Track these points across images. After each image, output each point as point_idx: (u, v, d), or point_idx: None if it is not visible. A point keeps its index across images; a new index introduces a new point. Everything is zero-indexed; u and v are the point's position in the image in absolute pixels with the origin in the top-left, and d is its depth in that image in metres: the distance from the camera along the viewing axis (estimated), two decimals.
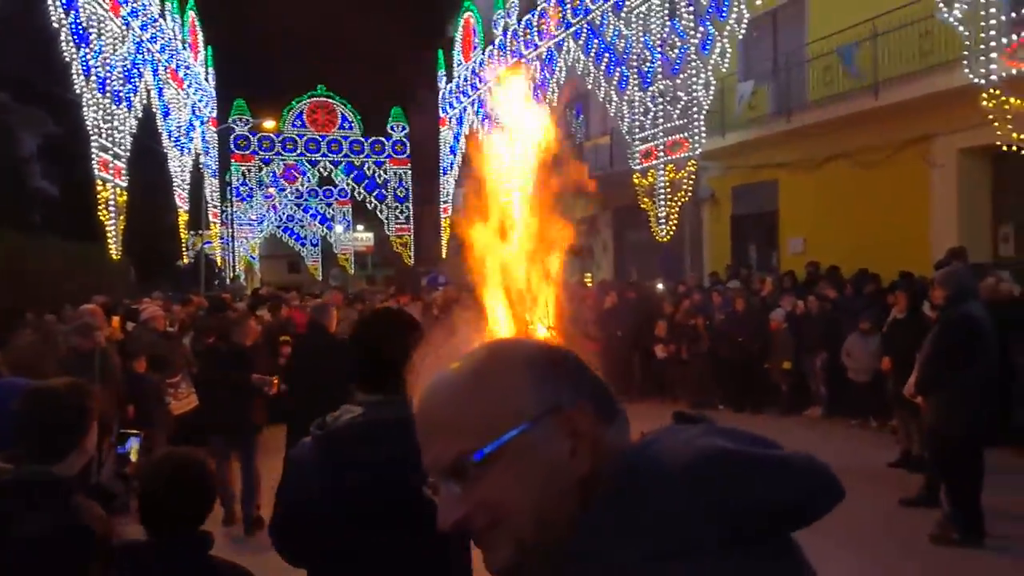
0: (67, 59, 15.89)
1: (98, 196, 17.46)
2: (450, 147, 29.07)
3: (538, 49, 20.58)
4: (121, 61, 18.49)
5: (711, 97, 14.93)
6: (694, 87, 14.96)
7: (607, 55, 17.54)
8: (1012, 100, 9.72)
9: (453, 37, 28.85)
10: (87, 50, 16.43)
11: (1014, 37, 9.79)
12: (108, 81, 17.51)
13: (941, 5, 10.38)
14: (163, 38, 22.74)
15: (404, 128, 32.51)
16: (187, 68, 26.18)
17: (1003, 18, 9.91)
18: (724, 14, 14.14)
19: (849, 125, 13.32)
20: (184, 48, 25.89)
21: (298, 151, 31.79)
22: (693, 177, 15.45)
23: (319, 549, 2.18)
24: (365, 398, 2.24)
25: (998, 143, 10.15)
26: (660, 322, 12.76)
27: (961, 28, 10.31)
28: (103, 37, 17.34)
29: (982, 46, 10.04)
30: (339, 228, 34.03)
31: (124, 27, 18.85)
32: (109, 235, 17.87)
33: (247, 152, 31.56)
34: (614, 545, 0.88)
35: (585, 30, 18.34)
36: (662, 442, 0.94)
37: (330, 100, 32.30)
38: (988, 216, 12.47)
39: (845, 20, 13.07)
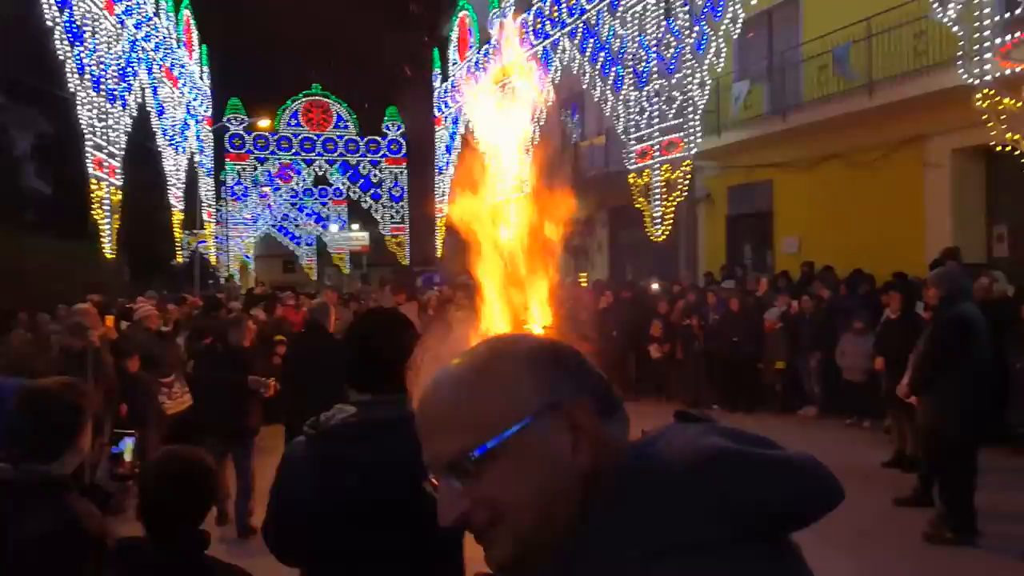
0: (61, 57, 15.85)
1: (92, 195, 17.41)
2: (446, 146, 29.05)
3: (533, 48, 20.57)
4: (115, 59, 18.44)
5: (706, 97, 14.95)
6: (689, 87, 14.98)
7: (603, 54, 17.55)
8: (1006, 100, 9.74)
9: (448, 36, 28.84)
10: (81, 48, 16.38)
11: (1008, 37, 9.81)
12: (102, 79, 17.47)
13: (935, 5, 10.41)
14: (158, 36, 22.68)
15: (399, 127, 32.48)
16: (182, 67, 26.13)
17: (997, 18, 9.94)
18: (719, 14, 14.15)
19: (844, 125, 13.35)
20: (179, 46, 25.83)
21: (293, 150, 31.74)
22: (688, 177, 15.46)
23: (311, 549, 2.18)
24: (359, 397, 2.24)
25: (992, 143, 10.18)
26: (655, 322, 12.78)
27: (955, 28, 10.33)
28: (97, 35, 17.29)
29: (976, 46, 10.06)
30: (334, 228, 33.97)
31: (118, 25, 18.80)
32: (103, 234, 17.82)
33: (242, 151, 31.49)
34: (616, 542, 0.88)
35: (581, 29, 18.34)
36: (664, 440, 0.94)
37: (325, 99, 32.25)
38: (982, 216, 12.51)
39: (840, 20, 13.10)
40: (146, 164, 23.96)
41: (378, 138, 32.29)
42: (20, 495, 2.10)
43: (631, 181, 16.67)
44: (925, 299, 7.08)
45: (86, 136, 16.80)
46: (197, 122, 28.55)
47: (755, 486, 0.87)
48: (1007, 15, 9.92)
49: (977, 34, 10.05)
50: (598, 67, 17.70)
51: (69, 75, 16.11)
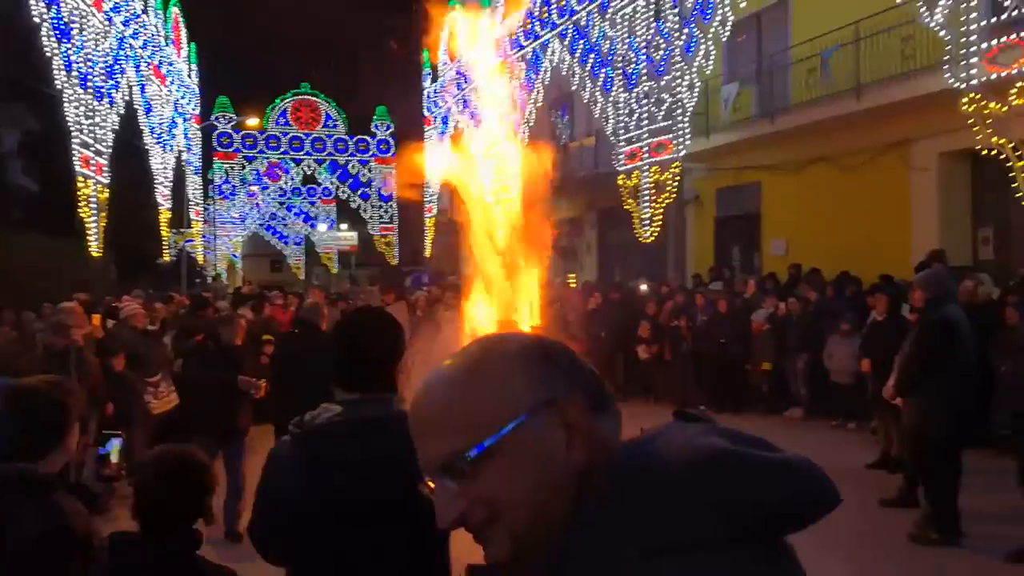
0: (48, 54, 15.75)
1: (79, 193, 17.30)
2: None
3: (523, 49, 20.58)
4: (103, 57, 18.33)
5: (695, 99, 15.00)
6: (678, 89, 15.02)
7: (592, 56, 17.57)
8: (992, 104, 9.82)
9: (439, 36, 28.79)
10: (69, 45, 16.28)
11: (994, 42, 9.89)
12: (90, 77, 17.36)
13: (923, 9, 10.47)
14: (146, 34, 22.56)
15: (389, 127, 32.41)
16: (170, 64, 25.99)
17: (983, 23, 10.01)
18: (708, 16, 14.20)
19: (832, 128, 13.42)
20: (167, 44, 25.70)
21: (282, 149, 31.61)
22: (677, 179, 15.50)
23: (297, 548, 2.17)
24: (345, 396, 2.24)
25: (978, 147, 10.25)
26: (643, 323, 12.80)
27: (942, 32, 10.40)
28: (85, 32, 17.19)
29: (963, 51, 10.14)
30: (322, 227, 33.86)
31: (106, 22, 18.69)
32: (90, 232, 17.71)
33: (230, 150, 31.35)
34: (613, 540, 0.88)
35: (571, 31, 18.36)
36: (663, 439, 0.94)
37: (314, 98, 32.15)
38: (968, 219, 12.60)
39: (828, 24, 13.17)
40: (133, 162, 23.83)
41: (367, 137, 32.22)
42: (12, 494, 2.09)
43: (620, 182, 16.70)
44: (911, 301, 7.13)
45: (73, 133, 16.69)
46: (185, 120, 28.41)
47: (752, 487, 0.87)
48: (993, 20, 9.99)
49: (964, 38, 10.13)
50: (588, 68, 17.72)
51: (56, 72, 16.01)
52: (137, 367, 8.02)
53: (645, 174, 16.02)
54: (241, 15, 34.83)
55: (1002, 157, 9.93)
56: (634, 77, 16.18)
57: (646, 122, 15.89)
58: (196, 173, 30.56)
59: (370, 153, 32.23)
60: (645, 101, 15.89)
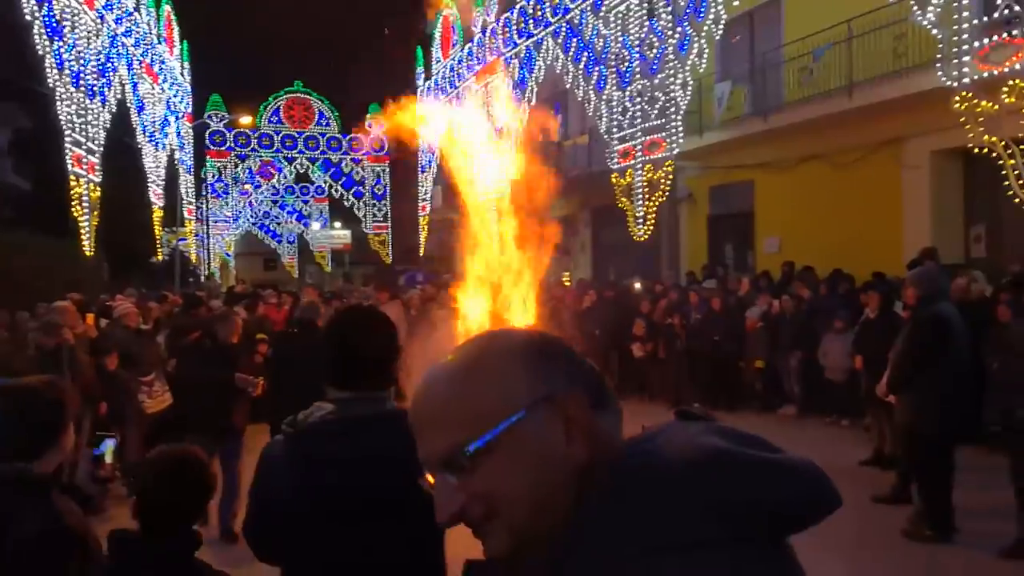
0: (40, 52, 15.68)
1: (71, 192, 17.24)
2: (429, 144, 28.98)
3: (517, 47, 20.58)
4: (95, 55, 18.26)
5: (688, 97, 15.02)
6: (672, 87, 15.04)
7: (586, 54, 17.58)
8: (984, 103, 9.86)
9: (432, 34, 28.77)
10: (60, 43, 16.22)
11: (986, 41, 9.93)
12: (82, 75, 17.30)
13: (915, 8, 10.51)
14: (138, 32, 22.48)
15: (382, 125, 32.34)
16: (162, 63, 25.91)
17: (975, 22, 10.05)
18: (701, 15, 14.22)
19: (824, 126, 13.46)
20: (159, 42, 25.62)
21: (275, 147, 31.56)
22: (671, 177, 15.53)
23: (291, 547, 2.18)
24: (337, 395, 2.24)
25: (970, 145, 10.29)
26: (638, 321, 12.82)
27: (934, 31, 10.44)
28: (77, 30, 17.12)
29: (955, 49, 10.18)
30: (316, 225, 33.83)
31: (98, 20, 18.62)
32: (82, 231, 17.66)
33: (223, 148, 31.29)
34: (615, 538, 0.88)
35: (564, 29, 18.37)
36: (664, 437, 0.95)
37: (307, 96, 32.09)
38: (960, 217, 12.65)
39: (821, 22, 13.20)
40: (126, 160, 23.75)
41: (360, 136, 32.17)
42: (11, 494, 2.09)
43: (614, 181, 16.72)
44: (904, 299, 7.16)
45: (65, 132, 16.63)
46: (177, 119, 28.33)
47: (752, 487, 0.88)
48: (985, 19, 10.04)
49: (956, 37, 10.17)
50: (581, 67, 17.73)
51: (48, 71, 15.95)
52: (131, 366, 8.00)
53: (639, 172, 16.04)
54: (233, 13, 34.74)
55: (994, 155, 9.97)
56: (627, 75, 16.19)
57: (639, 120, 15.91)
58: (189, 171, 30.48)
59: (363, 151, 32.20)
60: (638, 99, 15.91)
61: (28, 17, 15.23)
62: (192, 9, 29.70)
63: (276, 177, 32.00)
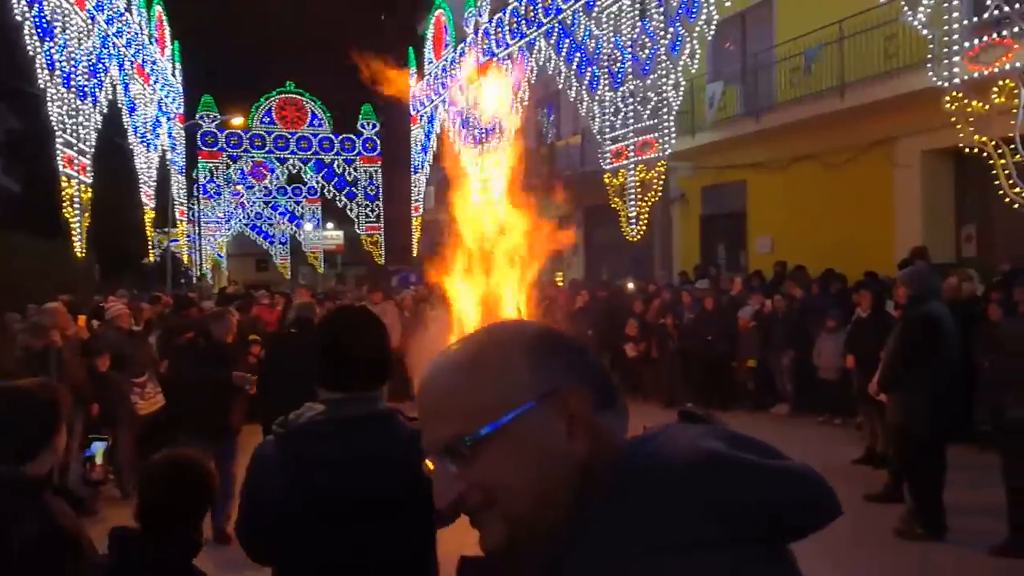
0: (31, 53, 15.61)
1: (62, 193, 17.17)
2: (421, 145, 28.97)
3: (509, 48, 20.58)
4: (86, 55, 18.19)
5: (680, 98, 15.04)
6: (664, 88, 15.07)
7: (578, 55, 17.60)
8: (974, 103, 9.90)
9: (424, 35, 28.75)
10: (51, 44, 16.15)
11: (976, 41, 9.97)
12: (73, 76, 17.22)
13: (906, 9, 10.55)
14: (129, 32, 22.40)
15: (375, 126, 32.32)
16: (153, 63, 25.83)
17: (965, 22, 10.10)
18: (693, 15, 14.25)
19: (816, 126, 13.50)
20: (151, 43, 25.54)
21: (267, 148, 31.48)
22: (663, 177, 15.55)
23: (281, 547, 2.18)
24: (328, 395, 2.24)
25: (961, 145, 10.34)
26: (631, 321, 12.84)
27: (925, 32, 10.48)
28: (68, 31, 17.05)
29: (945, 50, 10.22)
30: (308, 226, 33.76)
31: (89, 21, 18.55)
32: (73, 232, 17.58)
33: (215, 149, 31.20)
34: (615, 536, 0.88)
35: (556, 29, 18.38)
36: (665, 438, 0.95)
37: (299, 97, 32.02)
38: (951, 217, 12.71)
39: (812, 23, 13.24)
40: (117, 162, 23.66)
41: (353, 136, 32.13)
42: (6, 497, 2.08)
43: (606, 181, 16.74)
44: (895, 298, 7.19)
45: (56, 133, 16.56)
46: (169, 119, 28.24)
47: (745, 492, 0.87)
48: (975, 19, 10.08)
49: (946, 38, 10.21)
50: (574, 67, 17.75)
51: (39, 71, 15.87)
52: (122, 368, 7.97)
53: (631, 173, 16.06)
54: (225, 13, 34.65)
55: (984, 155, 10.02)
56: (620, 76, 16.21)
57: (632, 121, 15.93)
58: (180, 172, 30.39)
59: (356, 152, 32.16)
60: (631, 100, 15.93)
61: (18, 18, 15.15)
62: (183, 10, 29.61)
63: (268, 178, 31.93)
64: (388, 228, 32.70)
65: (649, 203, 15.84)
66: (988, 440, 7.33)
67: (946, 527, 6.09)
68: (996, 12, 9.73)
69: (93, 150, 18.55)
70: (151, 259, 27.82)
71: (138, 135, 23.65)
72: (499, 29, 21.13)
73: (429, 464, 0.98)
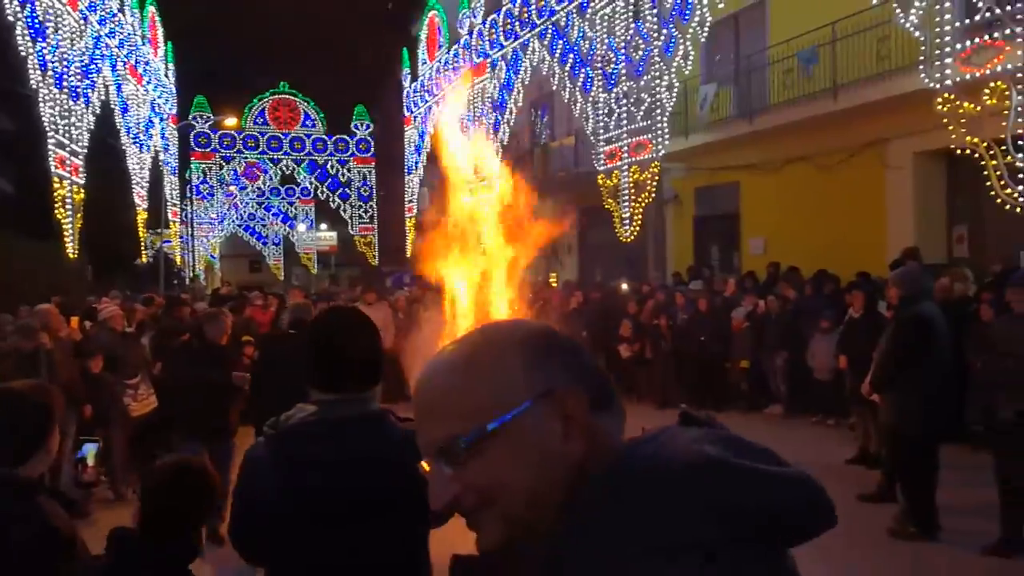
0: (23, 53, 15.56)
1: (55, 193, 17.10)
2: (415, 146, 28.95)
3: (503, 49, 20.59)
4: (79, 56, 18.13)
5: (674, 99, 15.07)
6: (657, 89, 15.09)
7: (572, 56, 17.62)
8: (966, 104, 9.94)
9: (418, 36, 28.74)
10: (44, 44, 16.09)
11: (968, 43, 10.02)
12: (65, 76, 17.17)
13: (898, 11, 10.59)
14: (122, 33, 22.34)
15: (368, 126, 32.29)
16: (146, 64, 25.76)
17: (957, 24, 10.14)
18: (687, 17, 14.28)
19: (809, 128, 13.54)
20: (143, 43, 25.46)
21: (260, 149, 31.42)
22: (657, 178, 15.58)
23: (273, 548, 2.18)
24: (320, 397, 2.24)
25: (952, 146, 10.38)
26: (625, 322, 12.86)
27: (917, 33, 10.52)
28: (60, 31, 16.99)
29: (937, 51, 10.26)
30: (302, 227, 33.71)
31: (82, 21, 18.49)
32: (66, 233, 17.51)
33: (208, 150, 31.13)
34: (613, 537, 0.88)
35: (550, 31, 18.40)
36: (662, 440, 0.95)
37: (293, 97, 31.97)
38: (943, 218, 12.76)
39: (805, 24, 13.28)
40: (109, 162, 23.59)
41: (346, 137, 32.09)
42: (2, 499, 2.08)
43: (600, 182, 16.76)
44: (887, 299, 7.21)
45: (48, 134, 16.50)
46: (162, 120, 28.17)
47: (743, 495, 0.87)
48: (967, 21, 10.12)
49: (938, 40, 10.25)
50: (567, 68, 17.76)
51: (31, 72, 15.81)
52: (116, 369, 7.95)
53: (625, 174, 16.08)
54: (218, 14, 34.59)
55: (976, 156, 10.05)
56: (613, 77, 16.24)
57: (625, 122, 15.95)
58: (173, 173, 30.30)
59: (349, 152, 32.12)
60: (624, 101, 15.95)
61: (10, 18, 15.10)
62: (177, 10, 29.56)
63: (261, 178, 31.88)
64: (382, 229, 32.67)
65: (643, 204, 15.86)
66: (980, 440, 7.38)
67: (939, 527, 6.11)
68: (987, 14, 9.77)
69: (86, 151, 18.49)
70: (144, 260, 27.76)
71: (131, 136, 23.58)
72: (493, 30, 21.14)
73: (425, 465, 0.98)
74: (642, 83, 15.44)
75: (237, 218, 32.86)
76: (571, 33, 17.60)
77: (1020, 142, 9.36)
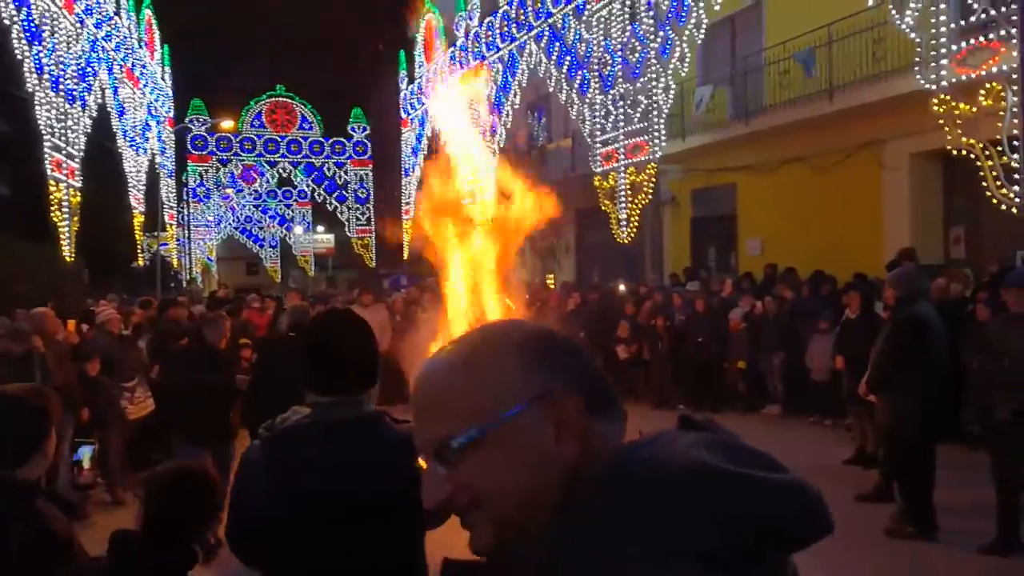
0: (19, 56, 15.54)
1: (51, 197, 17.08)
2: (412, 148, 28.95)
3: (500, 51, 20.60)
4: (75, 59, 18.11)
5: (670, 101, 15.10)
6: (654, 91, 15.11)
7: (568, 58, 17.64)
8: (962, 105, 9.97)
9: (415, 38, 28.75)
10: (40, 48, 16.08)
11: (963, 44, 10.05)
12: (61, 79, 17.15)
13: (894, 12, 10.62)
14: (118, 36, 22.32)
15: (365, 129, 32.28)
16: (143, 67, 25.74)
17: (952, 25, 10.17)
18: (683, 19, 14.30)
19: (805, 129, 13.56)
20: (140, 46, 25.45)
21: (256, 152, 31.39)
22: (653, 180, 15.60)
23: (269, 550, 2.18)
24: (316, 399, 2.24)
25: (948, 147, 10.40)
26: (622, 323, 12.86)
27: (913, 35, 10.55)
28: (56, 34, 16.98)
29: (933, 53, 10.29)
30: (299, 230, 33.68)
31: (78, 24, 18.48)
32: (62, 236, 17.49)
33: (204, 152, 31.10)
34: (603, 538, 0.88)
35: (547, 33, 18.42)
36: (659, 444, 0.94)
37: (289, 100, 31.95)
38: (939, 219, 12.78)
39: (802, 26, 13.31)
40: (106, 165, 23.56)
41: (343, 139, 32.08)
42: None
43: (597, 183, 16.77)
44: (884, 299, 7.22)
45: (45, 137, 16.48)
46: (158, 123, 28.13)
47: (737, 502, 0.87)
48: (962, 23, 10.15)
49: (933, 41, 10.28)
50: (564, 70, 17.78)
51: (27, 75, 15.80)
52: (112, 372, 7.94)
53: (621, 175, 16.10)
54: (215, 17, 34.57)
55: (972, 157, 10.08)
56: (610, 79, 16.26)
57: (622, 124, 15.98)
58: (170, 176, 30.26)
59: (346, 155, 32.11)
60: (621, 103, 15.97)
61: (6, 21, 15.08)
62: (173, 13, 29.52)
63: (258, 181, 31.85)
64: (379, 231, 32.65)
65: (640, 205, 15.87)
66: (977, 440, 7.39)
67: (936, 527, 6.12)
68: (983, 16, 9.81)
69: (82, 154, 18.47)
70: (140, 263, 27.70)
71: (127, 139, 23.56)
72: (489, 32, 21.16)
73: (423, 463, 0.99)
74: (639, 85, 15.46)
75: (234, 221, 32.83)
76: (568, 35, 17.62)
77: (1016, 143, 9.39)
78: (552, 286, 18.82)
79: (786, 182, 14.49)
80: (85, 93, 18.80)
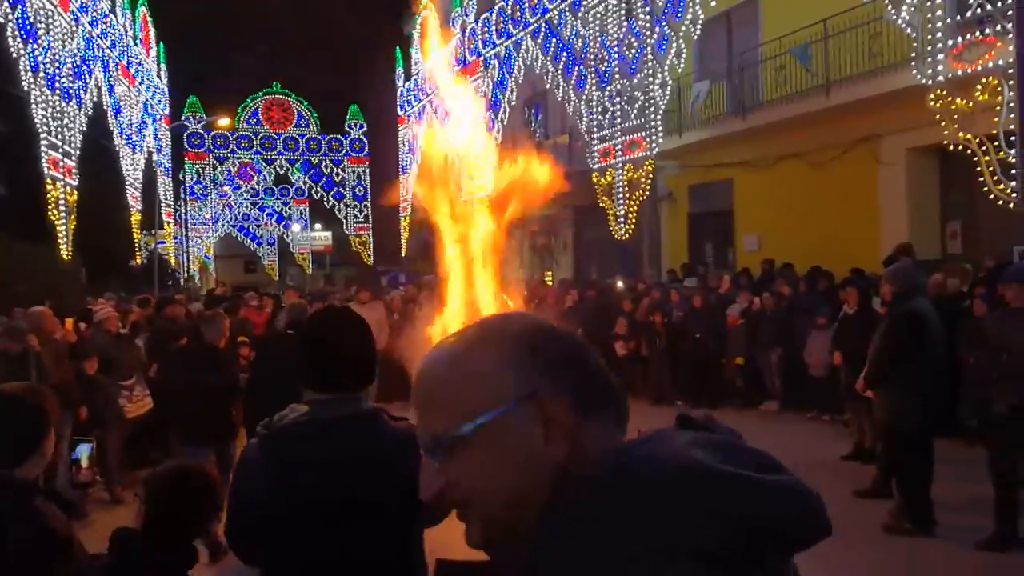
0: (14, 55, 15.49)
1: (48, 195, 17.05)
2: (409, 145, 28.93)
3: (496, 48, 20.58)
4: (71, 57, 18.07)
5: (667, 97, 15.09)
6: (650, 87, 15.11)
7: (565, 54, 17.62)
8: (958, 100, 9.97)
9: (411, 35, 28.72)
10: (35, 46, 16.03)
11: (959, 39, 10.05)
12: (57, 78, 17.11)
13: (890, 7, 10.62)
14: (114, 34, 22.27)
15: (362, 126, 32.25)
16: (139, 65, 25.69)
17: (949, 20, 10.17)
18: (679, 15, 14.29)
19: (802, 124, 13.57)
20: (136, 44, 25.40)
21: (253, 149, 31.35)
22: (651, 176, 15.60)
23: (267, 548, 2.18)
24: (313, 396, 2.24)
25: (945, 142, 10.41)
26: (620, 319, 12.87)
27: (909, 30, 10.55)
28: (52, 32, 16.93)
29: (929, 48, 10.29)
30: (296, 227, 33.65)
31: (73, 22, 18.43)
32: (59, 235, 17.46)
33: (201, 150, 31.05)
34: (598, 538, 0.87)
35: (543, 29, 18.40)
36: (654, 444, 0.94)
37: (286, 97, 31.90)
38: (936, 214, 12.79)
39: (798, 21, 13.31)
40: (103, 164, 23.52)
41: (340, 137, 32.04)
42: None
43: (595, 180, 16.77)
44: (881, 295, 7.23)
45: (41, 135, 16.44)
46: (155, 121, 28.08)
47: (731, 504, 0.86)
48: (958, 17, 10.15)
49: (930, 36, 10.28)
50: (561, 67, 17.77)
51: (23, 73, 15.75)
52: (110, 371, 7.94)
53: (619, 172, 16.10)
54: (210, 15, 34.50)
55: (968, 152, 10.09)
56: (607, 75, 16.25)
57: (619, 120, 15.97)
58: (167, 174, 30.22)
59: (343, 152, 32.08)
60: (618, 99, 15.96)
61: (1, 20, 15.04)
62: (168, 11, 29.46)
63: (255, 179, 31.81)
64: (376, 228, 32.63)
65: (637, 202, 15.88)
66: (974, 435, 7.40)
67: (935, 522, 6.14)
68: (979, 10, 9.80)
69: (78, 152, 18.43)
70: (138, 261, 27.68)
71: (124, 137, 23.51)
72: (486, 29, 21.13)
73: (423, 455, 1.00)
74: (635, 81, 15.45)
75: (231, 218, 32.80)
76: (564, 31, 17.60)
77: (1012, 138, 9.39)
78: (550, 283, 18.82)
79: (783, 178, 14.50)
80: (81, 91, 18.76)
